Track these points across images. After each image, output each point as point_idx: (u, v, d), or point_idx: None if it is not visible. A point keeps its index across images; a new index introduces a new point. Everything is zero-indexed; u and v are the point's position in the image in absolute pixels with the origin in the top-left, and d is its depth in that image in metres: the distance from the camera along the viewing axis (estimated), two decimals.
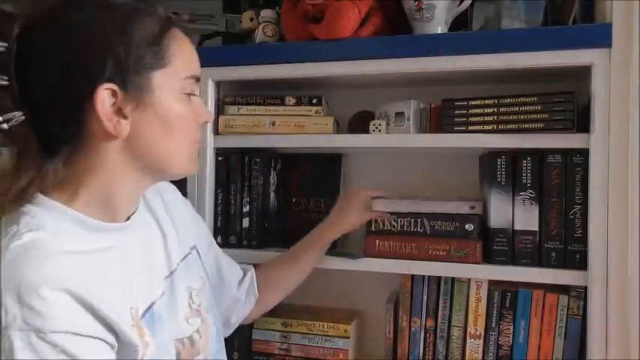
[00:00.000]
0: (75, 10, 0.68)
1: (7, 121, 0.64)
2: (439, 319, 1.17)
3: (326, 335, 1.25)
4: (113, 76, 0.67)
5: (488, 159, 1.14)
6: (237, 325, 1.08)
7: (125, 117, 0.69)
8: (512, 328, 1.12)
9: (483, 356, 1.14)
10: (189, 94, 0.77)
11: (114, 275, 0.70)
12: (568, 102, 1.04)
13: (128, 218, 0.78)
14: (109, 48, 0.67)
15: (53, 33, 0.67)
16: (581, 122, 1.05)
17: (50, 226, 0.66)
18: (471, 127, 1.10)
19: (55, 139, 0.69)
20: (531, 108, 1.06)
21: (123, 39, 0.68)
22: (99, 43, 0.67)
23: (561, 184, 1.08)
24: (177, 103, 0.75)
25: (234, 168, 1.26)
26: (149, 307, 0.75)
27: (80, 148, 0.70)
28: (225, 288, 1.04)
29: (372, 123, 1.19)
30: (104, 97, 0.67)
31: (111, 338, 0.66)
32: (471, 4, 1.17)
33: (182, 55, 0.75)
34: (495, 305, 1.13)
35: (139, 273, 0.76)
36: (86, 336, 0.62)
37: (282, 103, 1.25)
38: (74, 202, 0.70)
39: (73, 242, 0.67)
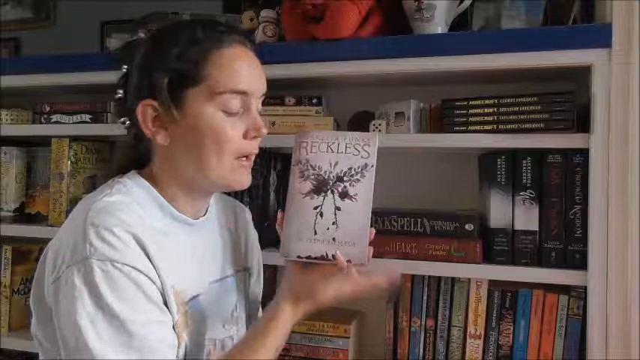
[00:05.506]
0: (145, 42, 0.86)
1: (123, 122, 0.87)
2: (439, 319, 1.17)
3: (326, 335, 1.25)
4: (153, 94, 0.81)
5: (488, 159, 1.14)
6: None
7: (165, 128, 0.82)
8: (512, 328, 1.12)
9: (483, 356, 1.14)
10: (229, 109, 0.81)
11: (168, 253, 0.80)
12: (568, 102, 1.04)
13: (197, 218, 0.90)
14: (147, 71, 0.82)
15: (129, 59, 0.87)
16: (581, 122, 1.05)
17: (135, 196, 0.82)
18: (470, 127, 1.10)
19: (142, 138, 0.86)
20: (531, 108, 1.06)
21: (158, 64, 0.81)
22: (145, 66, 0.83)
23: (561, 184, 1.08)
24: (209, 118, 0.80)
25: None
26: (195, 297, 0.85)
27: (153, 149, 0.86)
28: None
29: (372, 123, 1.19)
30: (144, 110, 0.81)
31: (159, 285, 0.77)
32: (471, 4, 1.17)
33: (220, 71, 0.81)
34: (495, 305, 1.13)
35: (191, 265, 0.86)
36: (145, 275, 0.75)
37: (282, 103, 1.25)
38: (158, 186, 0.85)
39: (147, 214, 0.81)
